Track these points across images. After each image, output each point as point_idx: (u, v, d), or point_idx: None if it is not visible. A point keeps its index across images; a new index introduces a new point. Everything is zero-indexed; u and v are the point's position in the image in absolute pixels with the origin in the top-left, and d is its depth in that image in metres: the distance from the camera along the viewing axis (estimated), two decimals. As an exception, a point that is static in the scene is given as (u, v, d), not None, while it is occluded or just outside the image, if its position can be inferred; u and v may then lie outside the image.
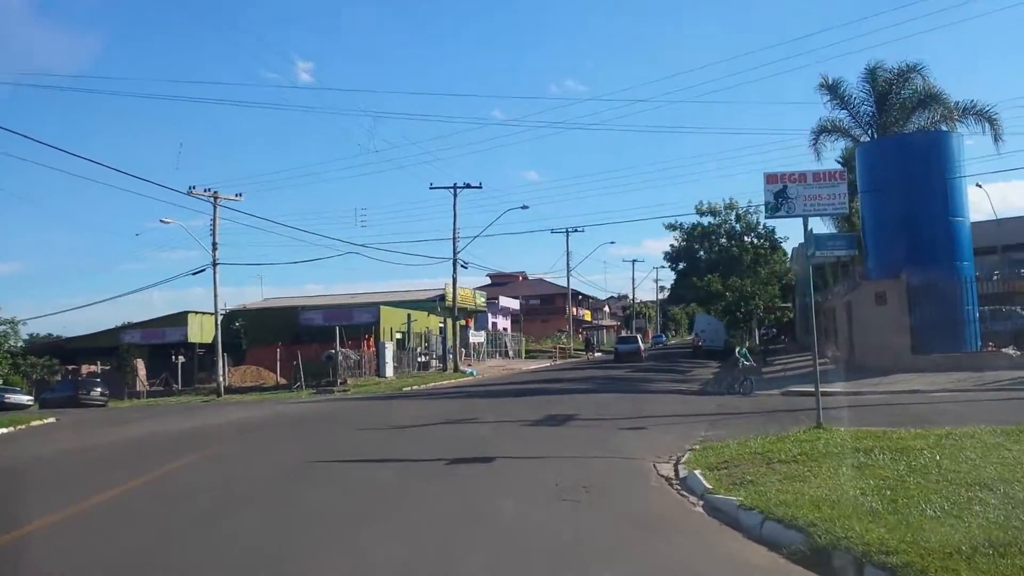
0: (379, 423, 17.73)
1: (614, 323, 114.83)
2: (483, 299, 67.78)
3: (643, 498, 8.92)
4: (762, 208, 34.16)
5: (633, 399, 22.82)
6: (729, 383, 22.50)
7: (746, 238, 34.31)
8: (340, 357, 40.15)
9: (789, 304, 41.72)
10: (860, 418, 15.28)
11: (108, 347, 52.65)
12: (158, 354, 52.46)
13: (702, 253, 34.51)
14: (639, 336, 55.34)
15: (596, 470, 10.70)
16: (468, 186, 45.50)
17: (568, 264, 71.77)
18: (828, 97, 29.95)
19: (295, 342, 47.87)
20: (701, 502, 8.55)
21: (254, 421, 20.93)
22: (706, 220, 34.17)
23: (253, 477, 11.16)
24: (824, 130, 31.73)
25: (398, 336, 50.27)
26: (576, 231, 71.70)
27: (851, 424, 13.88)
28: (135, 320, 58.67)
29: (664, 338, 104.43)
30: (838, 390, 23.82)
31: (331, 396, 32.86)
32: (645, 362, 47.06)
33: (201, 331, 54.51)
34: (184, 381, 48.03)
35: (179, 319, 55.95)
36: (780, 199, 13.05)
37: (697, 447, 12.08)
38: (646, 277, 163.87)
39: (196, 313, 56.26)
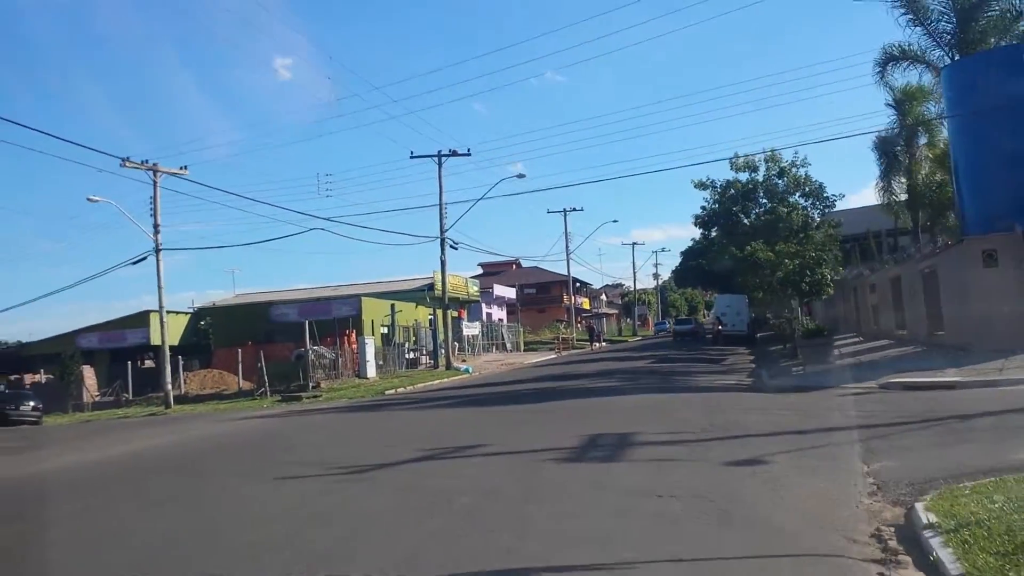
0: (326, 459, 11.37)
1: (613, 311, 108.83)
2: (476, 288, 61.65)
3: None
4: (809, 162, 28.21)
5: (690, 401, 16.88)
6: None
7: (791, 198, 28.31)
8: (312, 356, 33.99)
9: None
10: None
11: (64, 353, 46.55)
12: (121, 359, 46.25)
13: (740, 216, 28.44)
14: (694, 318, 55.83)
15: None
16: (455, 153, 39.18)
17: (567, 247, 66.00)
18: (902, 11, 23.89)
19: (267, 341, 42.04)
20: None
21: (146, 457, 14.33)
22: (743, 176, 28.19)
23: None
24: (892, 58, 25.74)
25: (383, 331, 44.19)
26: (575, 211, 66.25)
27: None
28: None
29: (667, 325, 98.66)
30: (958, 379, 17.92)
31: (297, 405, 26.79)
32: (668, 350, 41.44)
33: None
34: (145, 388, 41.74)
35: (140, 319, 49.66)
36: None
37: (937, 522, 6.04)
38: (645, 263, 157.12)
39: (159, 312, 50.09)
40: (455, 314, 51.49)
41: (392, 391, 28.90)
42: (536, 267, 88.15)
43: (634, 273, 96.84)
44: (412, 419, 17.76)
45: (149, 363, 45.59)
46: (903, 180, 31.03)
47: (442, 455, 10.99)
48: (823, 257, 25.87)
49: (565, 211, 65.65)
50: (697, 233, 36.07)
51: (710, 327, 53.20)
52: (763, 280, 26.36)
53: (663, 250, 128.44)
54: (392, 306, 42.75)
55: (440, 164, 39.44)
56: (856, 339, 35.53)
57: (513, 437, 12.25)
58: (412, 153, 39.98)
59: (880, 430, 10.90)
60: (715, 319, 51.92)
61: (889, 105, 30.49)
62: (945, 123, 24.80)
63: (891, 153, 30.67)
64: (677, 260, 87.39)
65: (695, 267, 74.35)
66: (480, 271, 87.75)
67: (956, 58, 23.87)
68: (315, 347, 35.43)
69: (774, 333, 49.63)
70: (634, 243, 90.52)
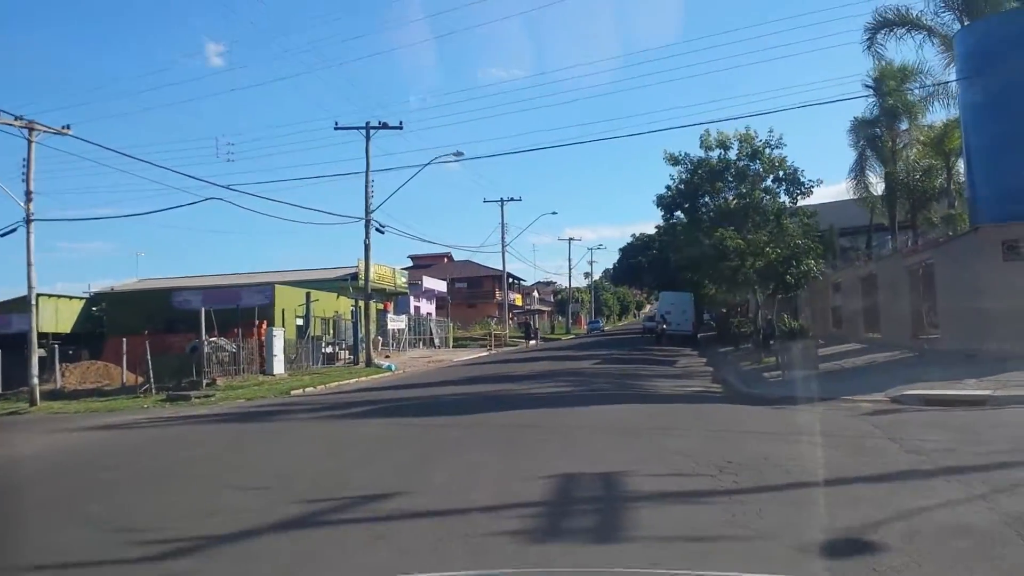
0: (140, 520, 6.92)
1: (546, 308, 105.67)
2: (404, 280, 57.40)
3: None
4: (785, 142, 24.91)
5: (672, 417, 13.22)
6: None
7: (764, 182, 25.03)
8: (208, 349, 29.36)
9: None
10: None
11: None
12: (5, 346, 41.01)
13: (708, 199, 24.98)
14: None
15: None
16: (385, 126, 34.96)
17: (503, 239, 62.33)
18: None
19: (168, 330, 37.27)
20: None
21: None
22: (716, 154, 24.70)
23: None
24: (886, 23, 22.57)
25: (298, 322, 39.70)
26: (513, 200, 62.77)
27: None
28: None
29: (601, 324, 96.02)
30: (987, 393, 14.58)
31: (180, 407, 22.38)
32: (613, 350, 38.16)
33: (56, 318, 43.68)
34: (27, 380, 36.49)
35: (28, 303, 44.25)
36: None
37: None
38: (580, 260, 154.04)
39: (50, 297, 45.01)
40: (380, 306, 47.26)
41: (300, 391, 24.76)
42: (468, 261, 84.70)
43: (569, 269, 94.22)
44: (307, 437, 13.55)
45: (42, 351, 40.47)
46: (882, 169, 27.97)
47: (326, 517, 6.87)
48: (809, 246, 22.59)
49: (502, 200, 62.06)
50: (639, 229, 32.69)
51: (653, 325, 50.06)
52: (733, 271, 22.92)
53: (599, 247, 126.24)
54: (307, 294, 38.27)
55: (368, 137, 35.11)
56: (817, 342, 32.66)
57: (440, 477, 8.27)
58: (336, 124, 35.70)
59: (983, 475, 7.32)
60: (660, 318, 48.82)
61: (867, 86, 27.40)
62: (955, 99, 21.66)
63: (870, 137, 27.56)
64: (612, 259, 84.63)
65: (635, 264, 71.50)
66: (410, 263, 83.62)
67: (966, 23, 20.78)
68: (212, 338, 30.83)
69: (715, 333, 46.69)
70: (570, 239, 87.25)
